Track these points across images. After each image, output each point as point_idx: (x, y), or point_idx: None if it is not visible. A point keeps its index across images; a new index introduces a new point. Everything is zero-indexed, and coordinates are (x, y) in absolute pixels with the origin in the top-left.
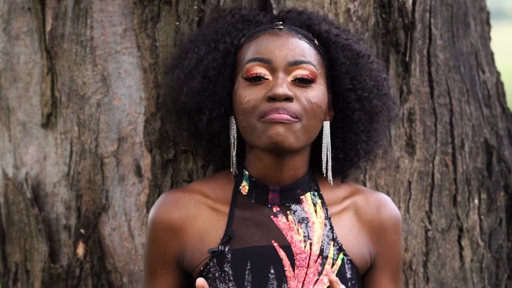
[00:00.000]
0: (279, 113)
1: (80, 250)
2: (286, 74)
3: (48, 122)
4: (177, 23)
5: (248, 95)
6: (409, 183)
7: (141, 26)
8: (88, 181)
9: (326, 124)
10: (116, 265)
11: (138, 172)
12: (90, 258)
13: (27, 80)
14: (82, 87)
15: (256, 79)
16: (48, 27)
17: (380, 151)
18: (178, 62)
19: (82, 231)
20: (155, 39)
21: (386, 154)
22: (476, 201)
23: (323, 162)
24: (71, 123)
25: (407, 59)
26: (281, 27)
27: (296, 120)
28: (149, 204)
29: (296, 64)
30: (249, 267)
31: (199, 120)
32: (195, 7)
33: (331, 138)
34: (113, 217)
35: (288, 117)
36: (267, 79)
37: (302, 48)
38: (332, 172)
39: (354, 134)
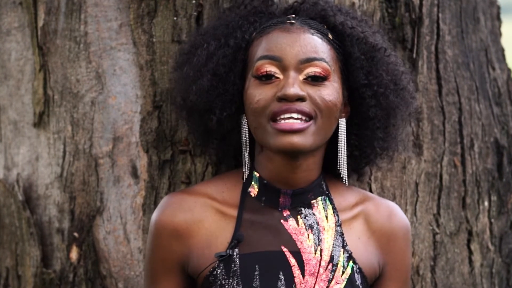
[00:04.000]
0: (292, 122)
1: (74, 254)
2: (298, 73)
3: (40, 121)
4: (175, 18)
5: (258, 94)
6: (416, 184)
7: (137, 21)
8: (82, 182)
9: (342, 122)
10: (111, 270)
11: (134, 173)
12: (84, 262)
13: (19, 78)
14: (75, 84)
15: (267, 78)
16: (40, 22)
17: (398, 148)
18: (187, 58)
19: (75, 234)
20: (151, 34)
21: (406, 150)
22: (486, 203)
23: (339, 161)
24: (64, 122)
25: (414, 55)
26: (293, 21)
27: (310, 122)
28: (145, 207)
29: (308, 61)
30: (257, 273)
31: (209, 120)
32: (194, 1)
33: (346, 135)
34: (108, 220)
35: (301, 125)
36: (278, 77)
37: (314, 44)
38: (347, 170)
39: (370, 131)
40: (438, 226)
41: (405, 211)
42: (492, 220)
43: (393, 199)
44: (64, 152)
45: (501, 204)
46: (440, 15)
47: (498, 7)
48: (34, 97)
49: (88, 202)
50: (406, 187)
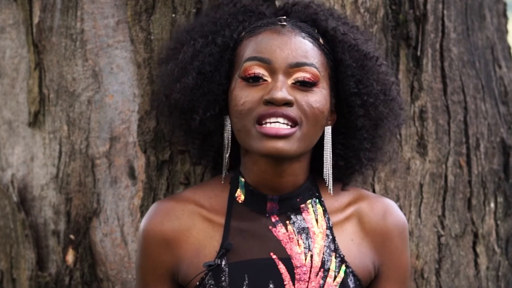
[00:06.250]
0: (277, 126)
1: (70, 257)
2: (287, 77)
3: (35, 120)
4: (173, 15)
5: (244, 96)
6: (421, 186)
7: (134, 18)
8: (78, 183)
9: (328, 130)
10: (108, 273)
11: (132, 174)
12: (81, 265)
13: (13, 76)
14: (71, 83)
15: (254, 80)
16: (36, 19)
17: (385, 159)
18: (172, 54)
19: (71, 237)
20: (149, 32)
21: (391, 161)
22: (492, 205)
23: (324, 169)
24: (60, 122)
25: (418, 53)
26: (284, 23)
27: (295, 128)
28: (143, 208)
29: (298, 66)
30: (247, 282)
31: (191, 119)
32: None
33: (332, 144)
34: (104, 222)
35: (287, 131)
36: (266, 80)
37: (305, 49)
38: (333, 179)
39: (357, 141)
40: (443, 228)
41: (409, 213)
42: (498, 222)
43: (397, 200)
44: (60, 152)
45: (508, 206)
46: (445, 12)
47: (505, 4)
48: (29, 96)
49: (84, 204)
50: (411, 188)
